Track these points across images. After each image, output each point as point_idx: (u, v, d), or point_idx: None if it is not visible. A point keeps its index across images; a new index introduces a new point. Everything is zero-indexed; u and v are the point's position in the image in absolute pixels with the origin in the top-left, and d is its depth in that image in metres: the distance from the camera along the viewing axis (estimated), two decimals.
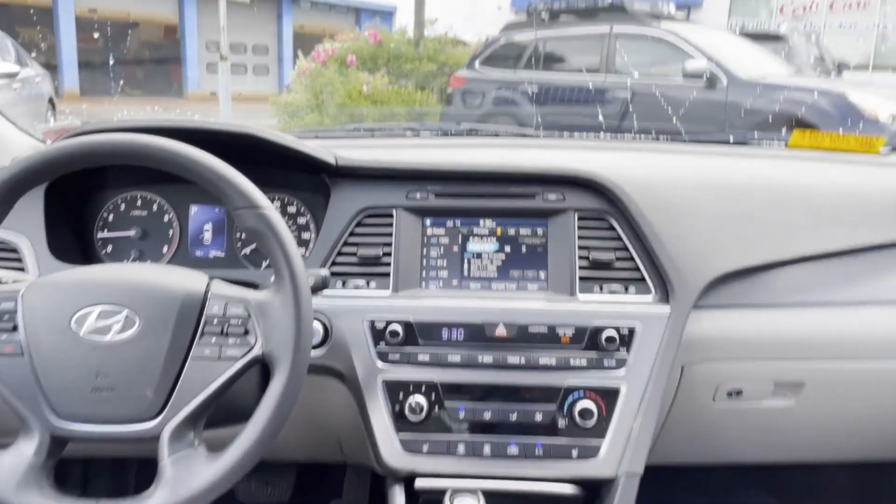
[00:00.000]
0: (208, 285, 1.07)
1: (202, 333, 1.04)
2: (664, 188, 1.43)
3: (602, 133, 2.14)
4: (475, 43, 8.63)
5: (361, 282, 1.40)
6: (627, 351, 1.32)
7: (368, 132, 2.09)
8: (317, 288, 1.15)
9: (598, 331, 1.32)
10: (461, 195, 1.43)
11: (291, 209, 1.55)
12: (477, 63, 7.56)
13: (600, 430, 1.28)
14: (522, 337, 1.32)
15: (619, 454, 1.25)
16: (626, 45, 8.06)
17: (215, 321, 1.05)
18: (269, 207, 1.06)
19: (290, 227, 1.47)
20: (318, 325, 1.31)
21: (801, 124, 6.56)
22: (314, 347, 1.28)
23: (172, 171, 1.03)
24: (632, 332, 1.34)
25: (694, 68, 7.40)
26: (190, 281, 1.06)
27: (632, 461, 1.25)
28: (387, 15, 13.90)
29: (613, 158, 1.81)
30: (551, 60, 8.12)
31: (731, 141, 1.98)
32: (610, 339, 1.31)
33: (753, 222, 1.40)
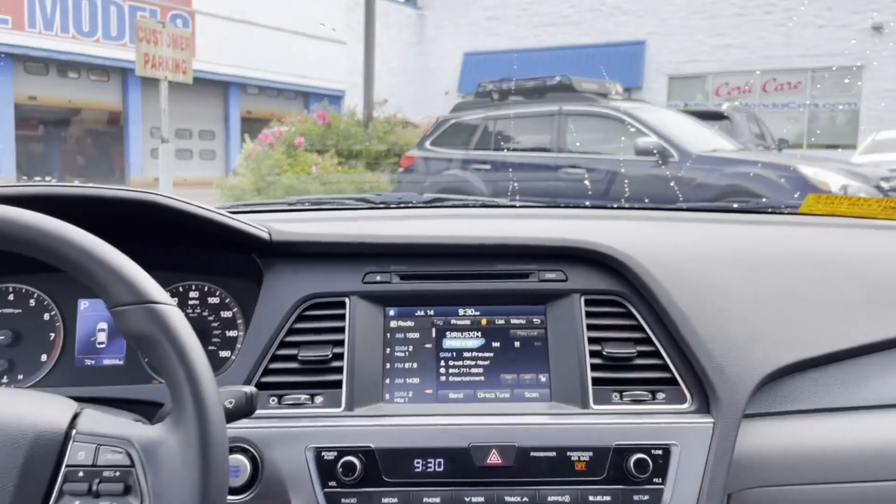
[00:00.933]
0: (74, 419, 0.78)
1: (59, 495, 0.74)
2: (688, 263, 1.21)
3: (586, 202, 1.87)
4: (425, 124, 8.56)
5: (304, 396, 1.13)
6: (663, 481, 1.06)
7: (314, 205, 1.73)
8: (237, 414, 0.88)
9: (622, 454, 1.06)
10: (434, 276, 1.20)
11: (213, 300, 1.27)
12: (428, 143, 7.50)
13: None
14: (523, 466, 1.06)
15: None
16: (576, 122, 8.23)
17: (80, 474, 0.75)
18: (162, 301, 0.79)
19: (211, 323, 1.25)
20: (241, 461, 1.04)
21: (753, 196, 6.55)
22: (236, 493, 1.03)
23: (25, 251, 0.77)
24: (667, 453, 1.07)
25: (645, 145, 7.46)
26: (47, 413, 0.77)
27: None
28: (335, 99, 13.85)
29: (613, 229, 1.49)
30: (503, 139, 8.05)
31: (736, 208, 1.73)
32: (640, 465, 1.05)
33: (800, 303, 1.18)
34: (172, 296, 1.20)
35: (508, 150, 7.63)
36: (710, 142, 7.77)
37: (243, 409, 0.88)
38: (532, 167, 8.09)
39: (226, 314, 1.26)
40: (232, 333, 1.25)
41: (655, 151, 7.32)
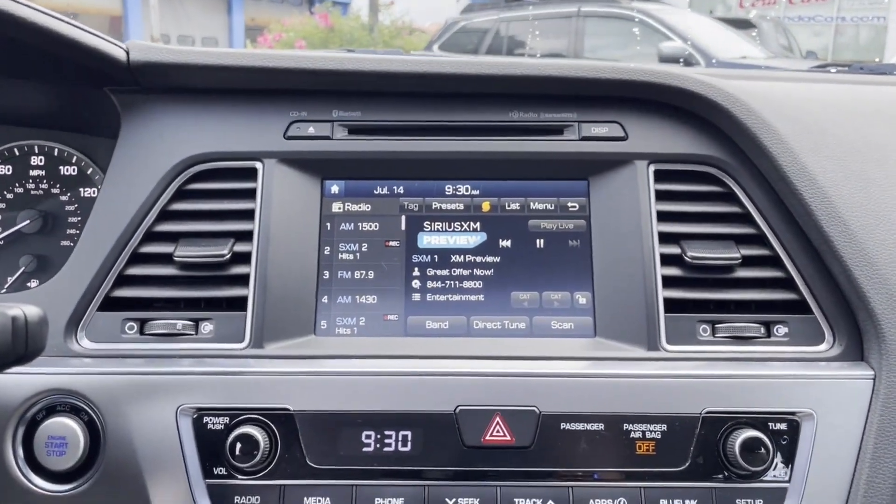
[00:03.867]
0: None
1: None
2: (831, 118, 0.84)
3: None
4: (433, 31, 8.09)
5: (182, 322, 0.79)
6: (789, 475, 0.71)
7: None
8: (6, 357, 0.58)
9: (718, 428, 0.73)
10: (405, 129, 0.84)
11: (37, 160, 0.94)
12: (435, 47, 7.15)
13: None
14: (548, 447, 0.73)
15: None
16: (595, 25, 7.71)
17: None
18: None
19: (38, 196, 0.94)
20: (69, 428, 0.71)
21: None
22: (60, 479, 0.72)
23: None
24: (795, 428, 0.72)
25: (670, 50, 6.97)
26: None
27: None
28: (342, 5, 13.39)
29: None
30: (515, 44, 7.48)
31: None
32: (750, 448, 0.70)
33: None
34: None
35: (521, 55, 7.10)
36: (739, 48, 7.30)
37: (6, 349, 0.57)
38: None
39: (66, 193, 0.93)
40: (74, 219, 0.92)
41: (681, 58, 6.82)
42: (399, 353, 0.77)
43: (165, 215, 0.80)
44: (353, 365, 0.75)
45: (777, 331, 0.78)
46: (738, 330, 0.77)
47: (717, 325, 0.78)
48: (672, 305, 0.78)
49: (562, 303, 0.80)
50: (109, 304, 0.78)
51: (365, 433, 0.71)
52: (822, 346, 0.77)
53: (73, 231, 0.92)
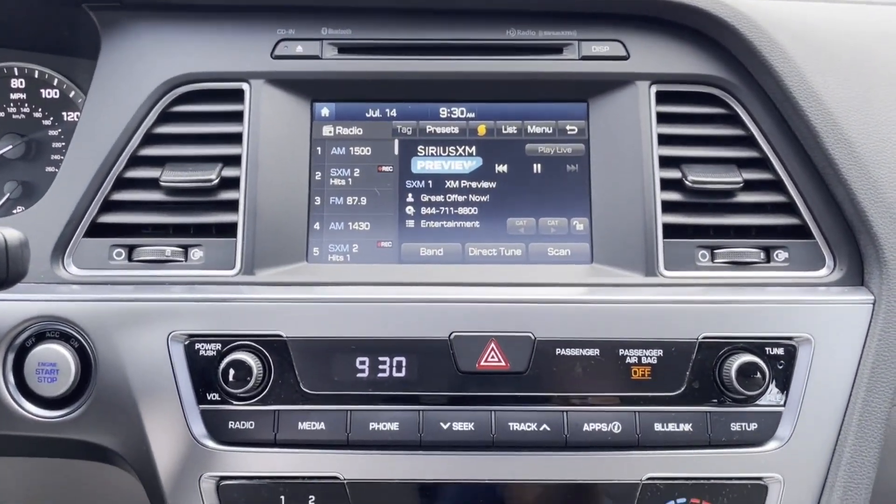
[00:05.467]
0: None
1: None
2: (842, 38, 0.81)
3: None
4: None
5: (171, 248, 0.77)
6: (784, 399, 0.70)
7: None
8: None
9: (715, 353, 0.72)
10: (398, 48, 0.81)
11: (17, 83, 0.90)
12: None
13: None
14: (542, 372, 0.72)
15: None
16: None
17: None
18: None
19: (20, 121, 0.90)
20: (60, 355, 0.71)
21: None
22: (52, 406, 0.72)
23: None
24: (792, 353, 0.71)
25: None
26: None
27: None
28: None
29: None
30: None
31: None
32: (746, 373, 0.70)
33: None
34: None
35: None
36: None
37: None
38: None
39: (49, 117, 0.90)
40: (58, 144, 0.90)
41: None
42: (393, 280, 0.76)
43: (150, 139, 0.78)
44: (347, 292, 0.74)
45: (777, 256, 0.77)
46: (737, 255, 0.76)
47: (716, 251, 0.77)
48: (671, 231, 0.77)
49: (559, 229, 0.78)
50: (96, 231, 0.77)
51: (359, 359, 0.71)
52: (822, 272, 0.76)
53: (57, 157, 0.90)
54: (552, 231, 0.78)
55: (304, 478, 0.69)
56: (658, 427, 0.70)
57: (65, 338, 0.71)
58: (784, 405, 0.71)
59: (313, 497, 0.69)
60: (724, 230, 0.77)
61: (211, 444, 0.69)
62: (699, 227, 0.77)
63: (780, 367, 0.71)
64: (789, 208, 0.77)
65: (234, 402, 0.70)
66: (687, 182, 0.76)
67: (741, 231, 0.77)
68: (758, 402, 0.70)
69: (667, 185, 0.77)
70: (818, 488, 0.70)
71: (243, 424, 0.70)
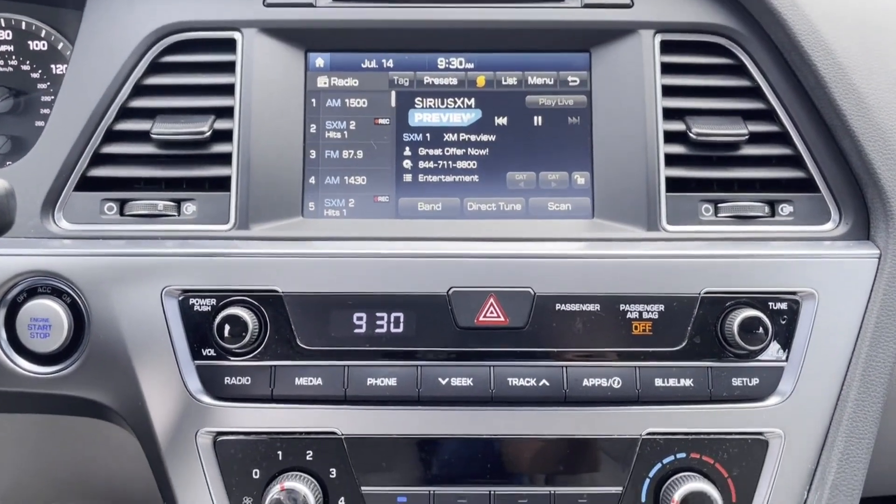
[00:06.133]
0: None
1: None
2: None
3: None
4: None
5: (163, 203, 0.76)
6: (786, 354, 0.69)
7: None
8: None
9: (717, 308, 0.72)
10: None
11: (3, 34, 0.87)
12: None
13: None
14: (542, 327, 0.71)
15: None
16: None
17: None
18: None
19: (7, 74, 0.87)
20: (52, 310, 0.70)
21: None
22: (45, 362, 0.71)
23: None
24: (794, 309, 0.70)
25: None
26: None
27: None
28: None
29: None
30: None
31: None
32: (749, 328, 0.69)
33: None
34: None
35: None
36: None
37: None
38: None
39: (37, 69, 0.86)
40: (47, 98, 0.86)
41: None
42: (390, 236, 0.74)
43: (140, 90, 0.76)
44: (343, 247, 0.73)
45: (781, 210, 0.75)
46: (741, 209, 0.75)
47: (719, 205, 0.75)
48: (674, 184, 0.75)
49: (559, 183, 0.77)
50: (87, 185, 0.75)
51: (356, 315, 0.70)
52: (828, 226, 0.75)
53: (46, 111, 0.88)
54: (553, 185, 0.76)
55: (301, 433, 0.69)
56: (658, 382, 0.69)
57: (57, 293, 0.70)
58: (786, 360, 0.70)
59: (311, 452, 0.69)
60: (728, 184, 0.76)
61: (207, 399, 0.69)
62: (703, 181, 0.75)
63: (783, 323, 0.70)
64: (795, 161, 0.75)
65: (230, 358, 0.70)
66: (691, 134, 0.74)
67: (745, 185, 0.76)
68: (760, 358, 0.70)
69: (670, 137, 0.75)
70: (819, 444, 0.70)
71: (239, 380, 0.69)
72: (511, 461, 0.70)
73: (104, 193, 0.75)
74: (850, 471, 0.69)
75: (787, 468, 0.69)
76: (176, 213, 0.74)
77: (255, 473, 0.69)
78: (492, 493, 0.69)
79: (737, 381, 0.69)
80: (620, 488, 0.69)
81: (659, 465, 0.69)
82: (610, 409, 0.69)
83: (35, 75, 0.88)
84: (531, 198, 0.76)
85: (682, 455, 0.69)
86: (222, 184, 0.75)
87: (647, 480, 0.69)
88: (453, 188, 0.76)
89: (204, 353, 0.69)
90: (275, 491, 0.67)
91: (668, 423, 0.69)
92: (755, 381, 0.69)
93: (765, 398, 0.69)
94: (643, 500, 0.69)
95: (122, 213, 0.75)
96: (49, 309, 0.69)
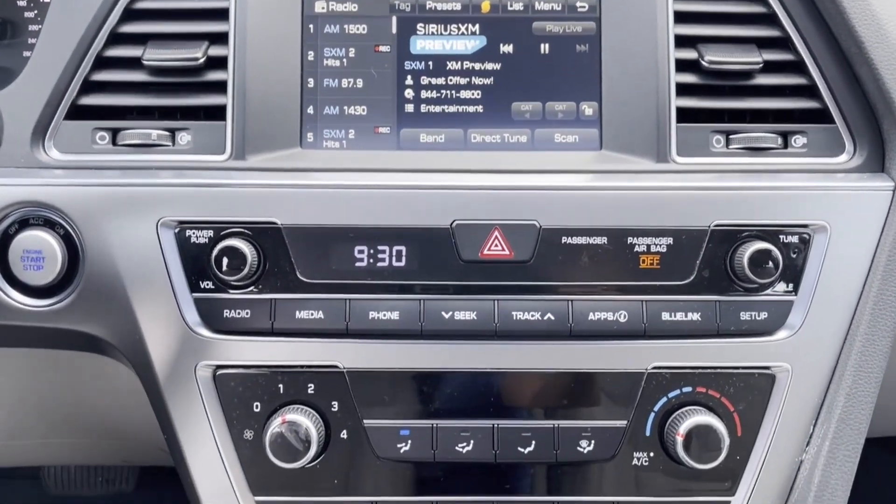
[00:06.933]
0: None
1: None
2: None
3: None
4: None
5: (157, 132, 0.74)
6: (795, 288, 0.68)
7: None
8: None
9: (727, 241, 0.70)
10: None
11: None
12: None
13: (729, 476, 0.71)
14: (547, 260, 0.70)
15: None
16: None
17: None
18: None
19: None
20: (45, 242, 0.69)
21: None
22: (39, 294, 0.70)
23: None
24: (805, 242, 0.69)
25: None
26: None
27: None
28: None
29: None
30: None
31: None
32: (758, 262, 0.68)
33: None
34: None
35: None
36: None
37: None
38: None
39: None
40: (35, 27, 0.82)
41: None
42: (392, 167, 0.72)
43: (131, 14, 0.73)
44: (343, 178, 0.71)
45: (795, 141, 0.74)
46: (753, 140, 0.73)
47: (731, 136, 0.73)
48: (685, 115, 0.73)
49: (566, 114, 0.74)
50: (77, 113, 0.73)
51: (357, 248, 0.68)
52: (842, 158, 0.73)
53: (34, 41, 0.85)
54: (559, 116, 0.74)
55: (302, 367, 0.68)
56: (665, 316, 0.68)
57: (50, 224, 0.68)
58: (796, 294, 0.69)
59: (312, 386, 0.68)
60: (741, 115, 0.74)
61: (206, 332, 0.68)
62: (714, 112, 0.73)
63: (794, 256, 0.69)
64: (810, 91, 0.73)
65: (229, 291, 0.68)
66: (703, 63, 0.72)
67: (758, 116, 0.74)
68: (769, 291, 0.69)
69: (682, 66, 0.73)
70: (826, 379, 0.69)
71: (238, 313, 0.68)
72: (515, 395, 0.69)
73: (96, 122, 0.72)
74: (857, 405, 0.69)
75: (793, 403, 0.69)
76: (170, 144, 0.72)
77: (256, 407, 0.68)
78: (495, 426, 0.69)
79: (745, 315, 0.68)
80: (625, 422, 0.69)
81: (664, 400, 0.68)
82: (615, 344, 0.68)
83: (22, 3, 0.85)
84: (537, 129, 0.74)
85: (687, 389, 0.68)
86: (217, 113, 0.72)
87: (652, 414, 0.69)
88: (457, 119, 0.74)
89: (202, 286, 0.68)
90: (276, 423, 0.66)
91: (675, 357, 0.68)
92: (764, 315, 0.68)
93: (773, 332, 0.68)
94: (647, 433, 0.69)
95: (114, 143, 0.73)
96: (42, 240, 0.67)
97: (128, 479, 1.44)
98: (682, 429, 0.67)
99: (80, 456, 1.02)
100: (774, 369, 0.69)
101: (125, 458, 1.06)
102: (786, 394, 0.69)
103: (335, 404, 0.69)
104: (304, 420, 0.67)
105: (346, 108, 0.74)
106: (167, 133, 0.72)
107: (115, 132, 0.73)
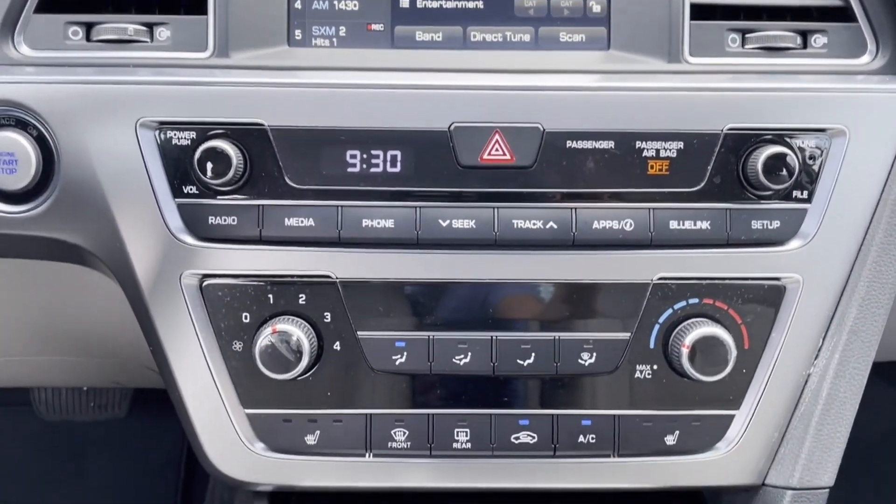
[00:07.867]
0: None
1: None
2: None
3: None
4: None
5: (135, 26, 0.70)
6: (810, 196, 0.65)
7: None
8: None
9: (740, 144, 0.66)
10: None
11: None
12: None
13: (734, 389, 0.69)
14: (550, 167, 0.67)
15: (771, 441, 0.70)
16: None
17: None
18: None
19: None
20: (18, 144, 0.65)
21: None
22: (13, 200, 0.67)
23: None
24: (823, 147, 0.66)
25: None
26: None
27: (810, 459, 0.68)
28: None
29: None
30: None
31: None
32: (772, 167, 0.64)
33: None
34: None
35: None
36: None
37: None
38: None
39: None
40: None
41: None
42: (386, 66, 0.68)
43: None
44: (334, 77, 0.66)
45: (815, 41, 0.70)
46: (770, 40, 0.69)
47: (747, 35, 0.70)
48: (698, 12, 0.69)
49: (573, 11, 0.70)
50: (47, 6, 0.68)
51: (349, 152, 0.65)
52: (864, 59, 0.70)
53: None
54: (565, 13, 0.70)
55: (293, 276, 0.65)
56: (673, 225, 0.65)
57: (22, 125, 0.64)
58: (810, 202, 0.66)
59: (303, 296, 0.66)
60: (758, 12, 0.69)
61: (190, 240, 0.65)
62: (729, 8, 0.69)
63: (810, 161, 0.65)
64: None
65: (215, 197, 0.65)
66: None
67: (776, 13, 0.69)
68: (783, 199, 0.65)
69: None
70: (838, 291, 0.67)
71: (224, 220, 0.65)
72: (514, 306, 0.67)
73: (68, 16, 0.68)
74: (869, 317, 0.67)
75: (803, 315, 0.67)
76: (148, 39, 0.68)
77: (246, 317, 0.66)
78: (494, 337, 0.66)
79: (756, 224, 0.65)
80: (628, 334, 0.66)
81: (670, 311, 0.66)
82: (620, 254, 0.66)
83: None
84: (541, 27, 0.70)
85: (694, 301, 0.66)
86: (198, 6, 0.68)
87: (657, 326, 0.66)
88: (455, 15, 0.70)
89: (185, 191, 0.65)
90: (266, 334, 0.64)
91: (682, 267, 0.66)
92: (776, 223, 0.65)
93: (785, 242, 0.66)
94: (651, 346, 0.67)
95: (88, 39, 0.68)
96: (14, 142, 0.63)
97: (120, 403, 1.43)
98: (688, 340, 0.65)
99: (70, 376, 1.00)
100: (785, 280, 0.66)
101: (115, 379, 1.04)
102: (796, 306, 0.66)
103: (328, 315, 0.66)
104: (296, 330, 0.64)
105: (336, 2, 0.70)
106: (145, 28, 0.68)
107: (88, 27, 0.68)
